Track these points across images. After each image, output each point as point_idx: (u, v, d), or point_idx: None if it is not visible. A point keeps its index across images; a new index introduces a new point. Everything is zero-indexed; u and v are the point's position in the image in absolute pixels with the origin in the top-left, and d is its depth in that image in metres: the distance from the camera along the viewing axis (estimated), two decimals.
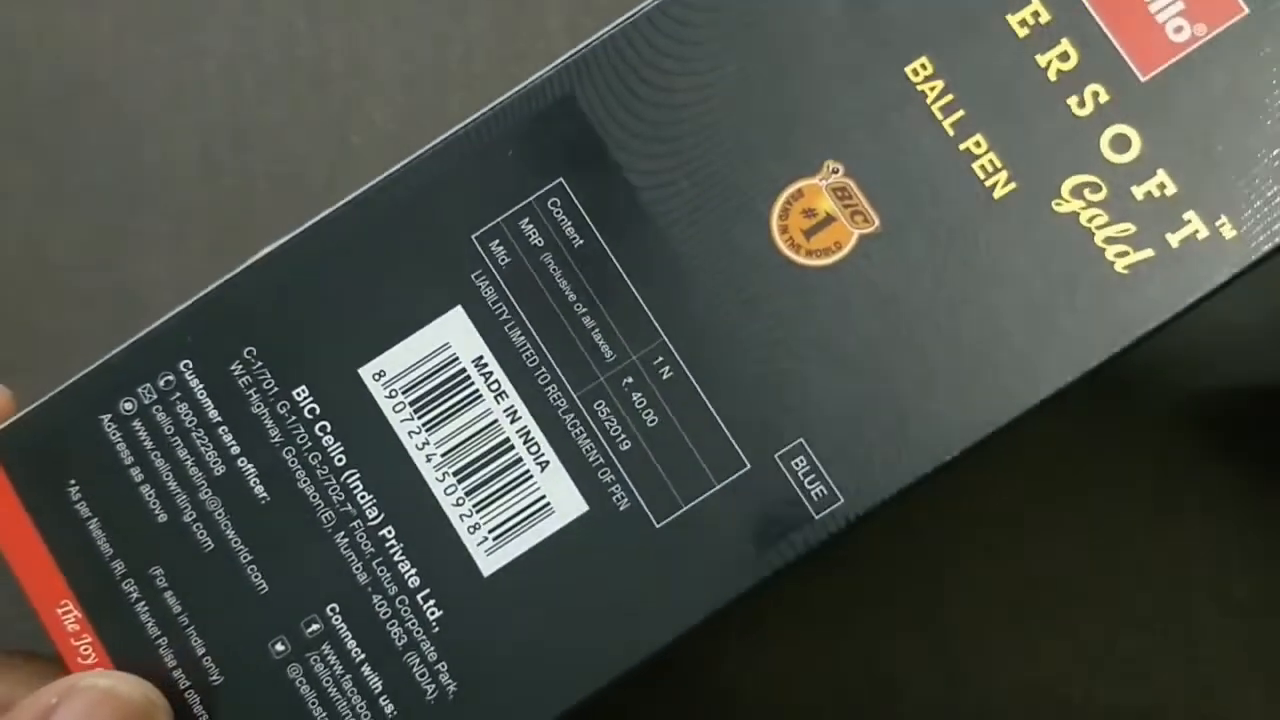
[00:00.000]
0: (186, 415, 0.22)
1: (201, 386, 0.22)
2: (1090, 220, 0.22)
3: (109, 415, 0.22)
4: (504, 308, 0.22)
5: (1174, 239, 0.22)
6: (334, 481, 0.22)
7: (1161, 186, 0.22)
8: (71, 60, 0.33)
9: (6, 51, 0.33)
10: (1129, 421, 0.31)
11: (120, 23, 0.33)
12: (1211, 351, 0.31)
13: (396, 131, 0.33)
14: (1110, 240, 0.22)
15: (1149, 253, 0.22)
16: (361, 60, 0.33)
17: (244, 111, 0.33)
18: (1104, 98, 0.22)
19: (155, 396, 0.22)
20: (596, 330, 0.22)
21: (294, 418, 0.22)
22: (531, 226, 0.22)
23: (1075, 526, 0.30)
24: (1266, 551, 0.30)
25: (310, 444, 0.22)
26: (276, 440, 0.22)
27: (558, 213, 0.22)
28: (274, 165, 0.33)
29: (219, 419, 0.22)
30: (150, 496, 0.22)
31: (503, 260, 0.22)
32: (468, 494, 0.22)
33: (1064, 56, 0.22)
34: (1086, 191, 0.22)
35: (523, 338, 0.22)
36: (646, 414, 0.22)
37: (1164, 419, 0.30)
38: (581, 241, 0.22)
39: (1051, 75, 0.22)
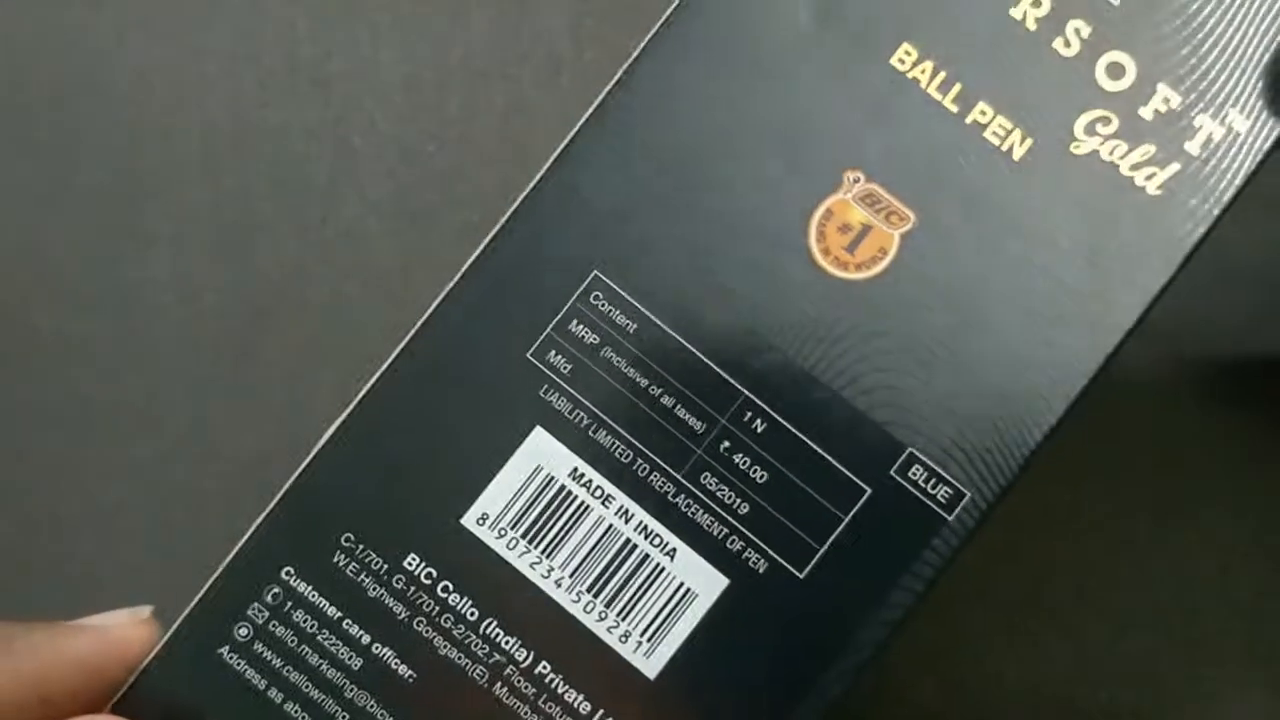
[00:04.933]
0: (305, 621, 0.22)
1: (310, 588, 0.22)
2: (1111, 153, 0.22)
3: (227, 647, 0.22)
4: (581, 413, 0.22)
5: (1193, 147, 0.22)
6: (474, 636, 0.22)
7: (1166, 101, 0.22)
8: (71, 60, 0.33)
9: (6, 51, 0.33)
10: (1129, 421, 0.30)
11: (120, 23, 0.33)
12: (1209, 349, 0.31)
13: (397, 132, 0.33)
14: (1136, 166, 0.22)
15: (1175, 167, 0.22)
16: (361, 60, 0.33)
17: (244, 112, 0.33)
18: (1086, 31, 0.23)
19: (268, 613, 0.22)
20: (679, 406, 0.22)
21: (413, 588, 0.22)
22: (582, 327, 0.22)
23: (1076, 527, 0.30)
24: (1267, 552, 0.30)
25: (438, 608, 0.22)
26: (404, 616, 0.22)
27: (603, 305, 0.22)
28: (274, 165, 0.33)
29: (339, 614, 0.22)
30: (297, 712, 0.22)
31: (565, 369, 0.22)
32: (607, 605, 0.22)
33: (1036, 3, 0.23)
34: (1099, 126, 0.22)
35: (609, 437, 0.22)
36: (754, 471, 0.22)
37: (1164, 417, 0.30)
38: (635, 325, 0.22)
39: (1030, 25, 0.23)
